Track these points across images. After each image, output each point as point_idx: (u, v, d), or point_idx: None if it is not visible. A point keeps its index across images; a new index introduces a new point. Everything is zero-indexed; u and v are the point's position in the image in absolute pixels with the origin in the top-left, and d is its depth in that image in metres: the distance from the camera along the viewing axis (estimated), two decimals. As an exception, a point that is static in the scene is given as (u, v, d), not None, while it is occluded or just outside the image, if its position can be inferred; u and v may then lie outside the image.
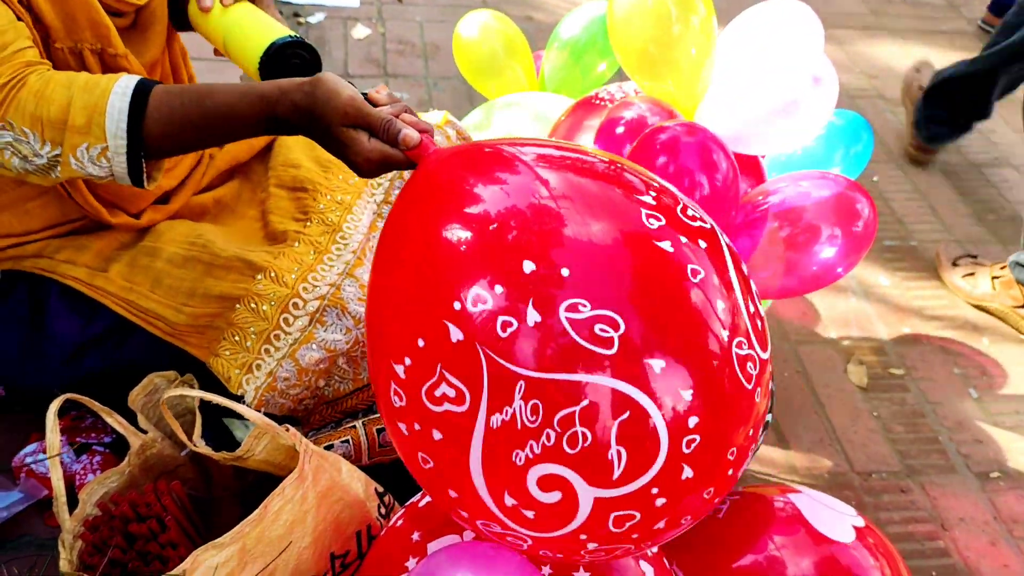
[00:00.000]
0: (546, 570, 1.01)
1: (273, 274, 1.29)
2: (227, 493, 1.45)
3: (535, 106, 1.89)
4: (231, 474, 1.42)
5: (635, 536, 0.89)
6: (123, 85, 1.10)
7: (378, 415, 1.34)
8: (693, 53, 1.45)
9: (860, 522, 1.22)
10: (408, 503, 1.18)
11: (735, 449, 0.89)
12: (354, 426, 1.33)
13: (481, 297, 0.84)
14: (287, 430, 1.18)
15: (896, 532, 1.76)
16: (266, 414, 1.31)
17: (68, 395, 1.19)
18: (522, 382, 0.82)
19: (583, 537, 0.89)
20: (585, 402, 0.81)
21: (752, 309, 0.91)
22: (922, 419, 2.01)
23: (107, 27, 1.20)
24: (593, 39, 1.92)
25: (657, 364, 0.82)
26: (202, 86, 1.13)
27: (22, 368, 1.38)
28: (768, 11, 1.47)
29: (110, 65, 1.22)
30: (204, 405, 1.34)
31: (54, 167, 1.11)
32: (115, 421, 1.26)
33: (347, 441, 1.34)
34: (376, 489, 1.28)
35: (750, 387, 0.88)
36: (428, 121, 1.60)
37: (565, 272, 0.83)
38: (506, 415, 0.83)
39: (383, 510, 1.28)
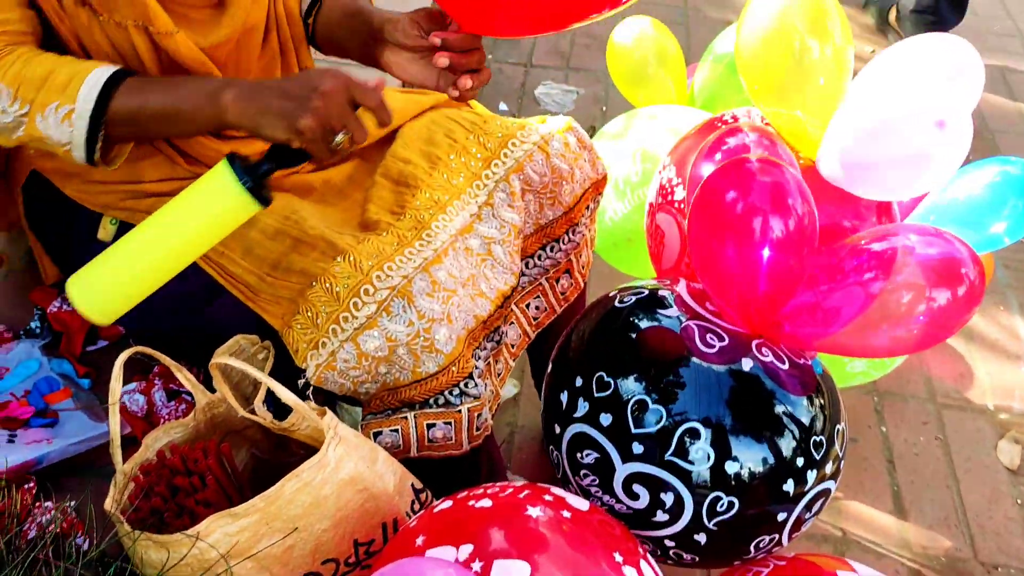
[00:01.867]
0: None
1: (352, 258, 1.32)
2: (297, 458, 1.49)
3: (675, 120, 1.82)
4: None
5: None
6: (108, 67, 1.22)
7: (431, 409, 1.34)
8: (822, 83, 1.34)
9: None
10: (429, 506, 1.18)
11: None
12: (406, 416, 1.34)
13: None
14: (323, 415, 1.20)
15: (1009, 637, 1.58)
16: (327, 391, 1.34)
17: (138, 348, 1.26)
18: None
19: None
20: None
21: None
22: (1075, 516, 1.79)
23: (144, 4, 1.25)
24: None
25: None
26: (177, 77, 1.25)
27: (129, 313, 1.48)
28: (919, 45, 1.33)
29: (155, 42, 1.30)
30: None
31: (18, 127, 1.22)
32: (183, 376, 1.33)
33: (396, 431, 1.35)
34: (413, 484, 1.29)
35: None
36: (553, 124, 1.59)
37: None
38: None
39: (417, 506, 1.28)
